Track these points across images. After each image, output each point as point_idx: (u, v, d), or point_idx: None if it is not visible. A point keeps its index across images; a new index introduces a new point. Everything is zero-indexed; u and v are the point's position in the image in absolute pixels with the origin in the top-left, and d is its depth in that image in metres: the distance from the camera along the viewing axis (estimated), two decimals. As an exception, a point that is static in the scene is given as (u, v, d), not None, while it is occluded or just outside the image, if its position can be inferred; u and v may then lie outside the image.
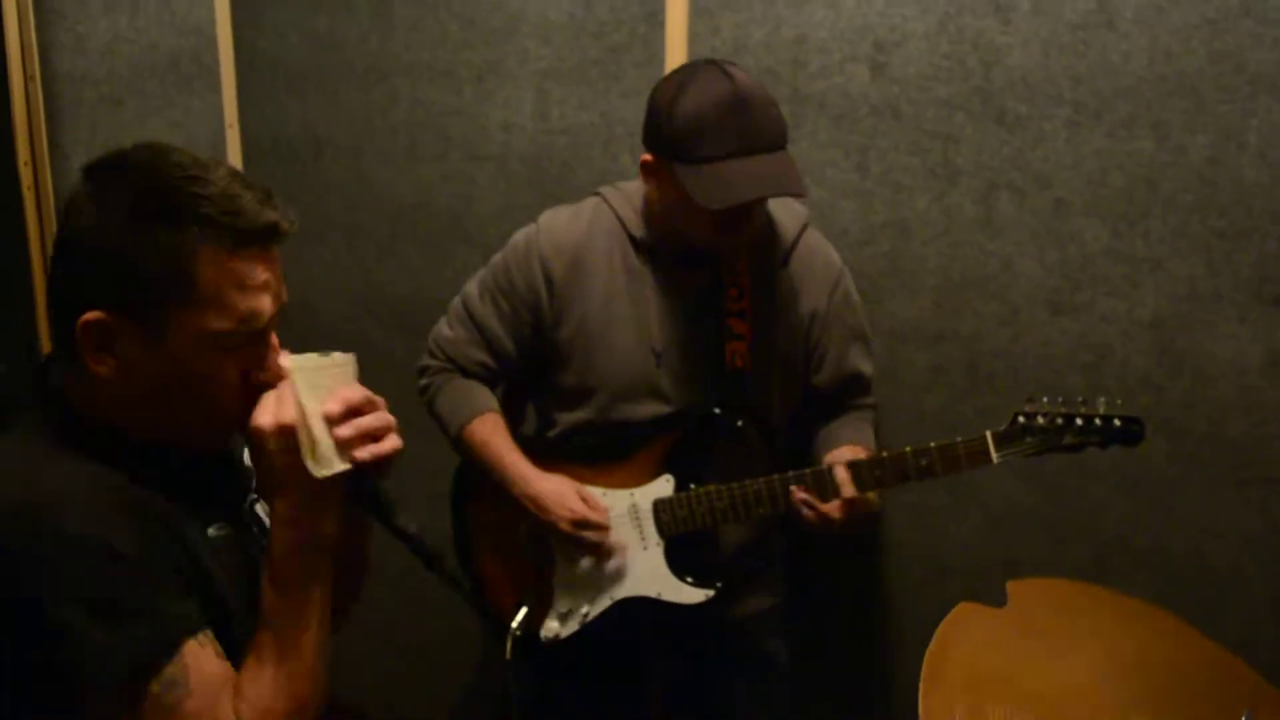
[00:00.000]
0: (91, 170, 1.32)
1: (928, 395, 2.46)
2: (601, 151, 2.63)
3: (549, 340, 2.20)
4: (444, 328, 2.31)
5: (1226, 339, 2.19)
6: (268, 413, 1.33)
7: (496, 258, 2.26)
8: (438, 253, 2.89)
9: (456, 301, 2.31)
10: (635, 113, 2.55)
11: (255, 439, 1.34)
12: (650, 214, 2.16)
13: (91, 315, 1.27)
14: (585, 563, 2.20)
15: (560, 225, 2.22)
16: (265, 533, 1.47)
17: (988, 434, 1.99)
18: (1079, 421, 1.96)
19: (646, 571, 2.19)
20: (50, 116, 2.57)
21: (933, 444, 2.00)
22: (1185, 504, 2.29)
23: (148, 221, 1.26)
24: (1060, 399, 1.98)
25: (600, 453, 2.21)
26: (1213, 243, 2.17)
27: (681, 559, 2.20)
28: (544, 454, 2.22)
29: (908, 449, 2.01)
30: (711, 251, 2.11)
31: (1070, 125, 2.22)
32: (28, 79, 2.53)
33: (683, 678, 2.36)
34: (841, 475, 2.03)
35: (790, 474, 2.08)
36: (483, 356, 2.25)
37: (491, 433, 2.22)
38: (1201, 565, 2.29)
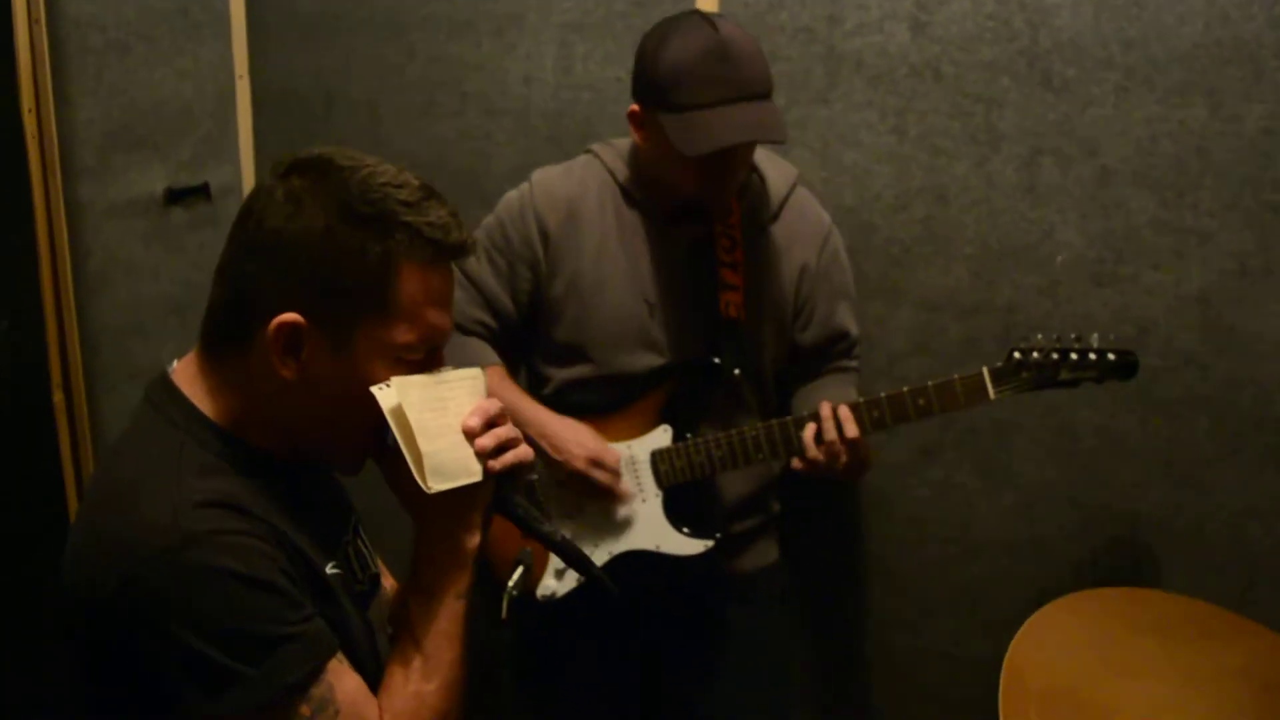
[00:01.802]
0: (289, 170, 1.28)
1: (961, 367, 2.37)
2: (624, 108, 2.52)
3: (544, 295, 2.19)
4: None
5: (1275, 316, 2.12)
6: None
7: (490, 218, 2.24)
8: (453, 210, 2.80)
9: None
10: (663, 70, 2.47)
11: (396, 450, 1.31)
12: (640, 166, 2.16)
13: (288, 317, 1.23)
14: (584, 515, 2.18)
15: (553, 180, 2.21)
16: (364, 569, 1.48)
17: (984, 369, 1.98)
18: (1074, 356, 1.96)
19: (645, 524, 2.17)
20: (55, 62, 2.47)
21: (930, 382, 1.98)
22: (1226, 485, 2.22)
23: (356, 227, 1.24)
24: (1055, 335, 1.97)
25: (596, 406, 2.19)
26: (1265, 216, 2.09)
27: (680, 511, 2.17)
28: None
29: (905, 389, 1.98)
30: (699, 202, 2.08)
31: (1120, 91, 2.14)
32: (32, 22, 2.43)
33: (680, 633, 2.32)
34: (844, 413, 2.00)
35: (789, 418, 2.06)
36: (482, 315, 2.22)
37: (500, 382, 2.19)
38: (1242, 548, 2.23)
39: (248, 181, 2.99)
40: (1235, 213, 2.11)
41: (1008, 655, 1.75)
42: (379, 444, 1.34)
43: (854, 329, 2.27)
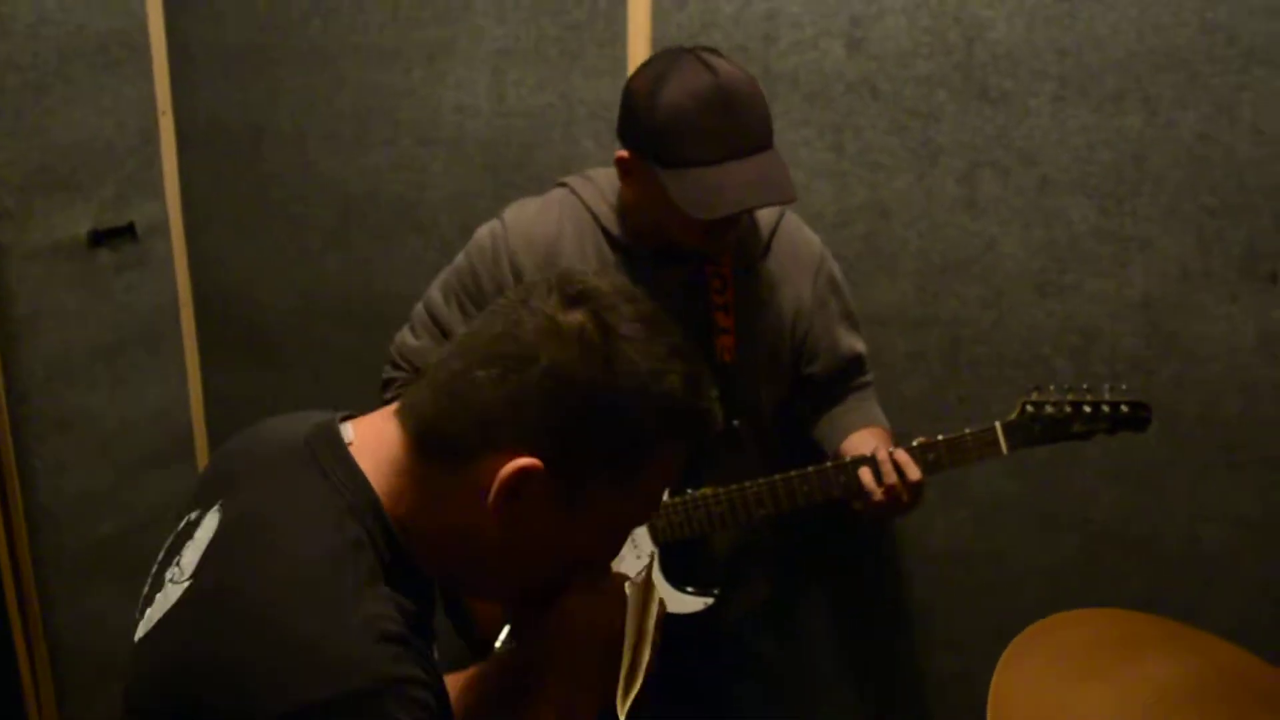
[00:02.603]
0: (571, 301, 1.13)
1: (907, 382, 2.39)
2: (562, 134, 2.52)
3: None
4: (408, 336, 2.15)
5: (1218, 319, 2.13)
6: (602, 607, 1.27)
7: (460, 258, 2.10)
8: (389, 243, 2.76)
9: (419, 307, 2.15)
10: (597, 93, 2.46)
11: (573, 624, 1.25)
12: (626, 209, 2.03)
13: (530, 463, 1.09)
14: None
15: (528, 220, 2.07)
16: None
17: (997, 424, 1.93)
18: (1087, 409, 1.92)
19: None
20: (-30, 105, 2.43)
21: (940, 437, 1.93)
22: (1177, 489, 2.23)
23: (638, 398, 1.11)
24: (1067, 386, 1.94)
25: None
26: (1204, 220, 2.10)
27: (675, 566, 2.10)
28: None
29: (915, 442, 1.95)
30: (690, 250, 1.99)
31: (1056, 101, 2.14)
32: (-54, 66, 2.38)
33: (676, 686, 2.28)
34: (903, 457, 1.93)
35: (793, 473, 1.99)
36: None
37: None
38: (1195, 551, 2.24)
39: (174, 219, 2.93)
40: (1174, 218, 2.12)
41: (992, 684, 1.73)
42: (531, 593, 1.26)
43: (862, 348, 2.21)
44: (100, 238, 2.73)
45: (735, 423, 2.06)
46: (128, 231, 2.81)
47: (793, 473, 1.99)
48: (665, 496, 2.06)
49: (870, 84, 2.26)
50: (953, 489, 2.40)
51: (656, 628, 1.28)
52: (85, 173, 2.69)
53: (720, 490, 2.02)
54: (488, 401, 1.10)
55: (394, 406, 1.18)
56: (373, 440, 1.17)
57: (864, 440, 2.07)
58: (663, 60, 1.86)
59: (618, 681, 1.26)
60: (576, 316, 1.12)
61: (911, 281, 2.33)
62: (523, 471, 1.09)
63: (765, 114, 1.84)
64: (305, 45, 2.71)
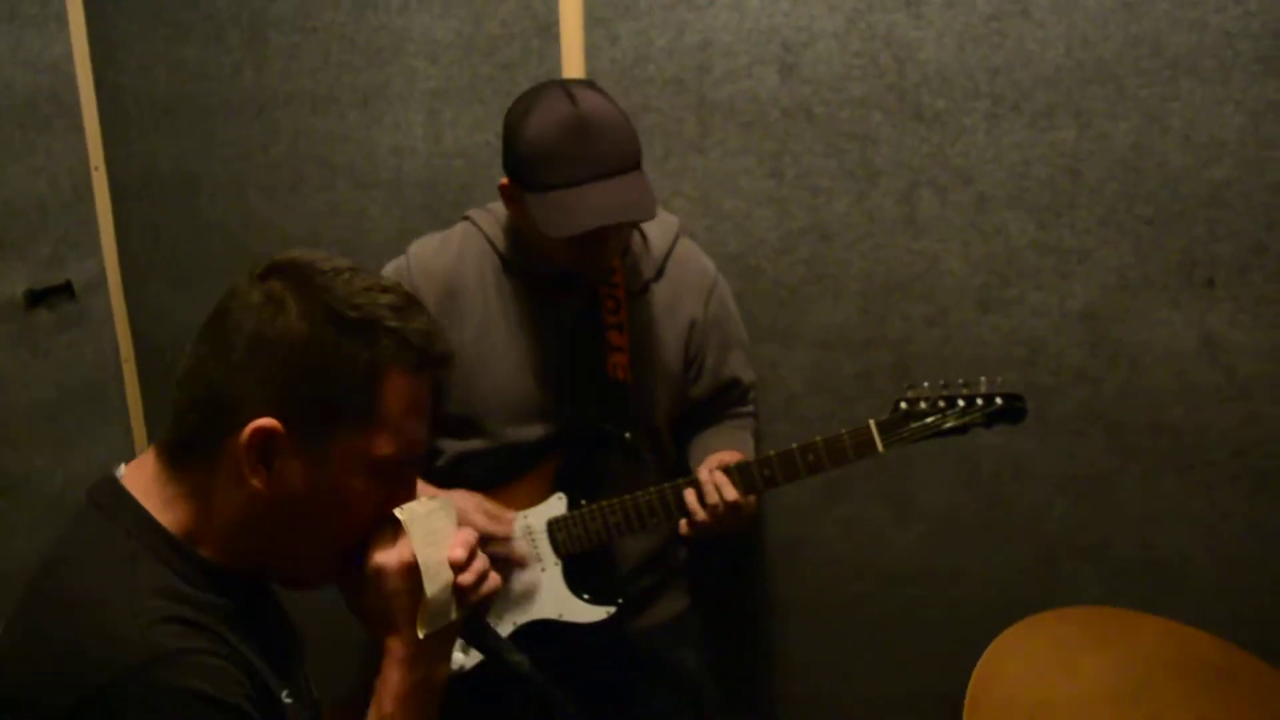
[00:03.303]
0: (267, 272, 1.21)
1: (858, 403, 2.39)
2: (500, 173, 2.49)
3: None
4: None
5: (1160, 325, 2.16)
6: (390, 551, 1.26)
7: None
8: (331, 288, 2.74)
9: None
10: (535, 130, 2.45)
11: (375, 576, 1.26)
12: (519, 238, 2.11)
13: (265, 422, 1.16)
14: None
15: (429, 254, 2.16)
16: (310, 697, 1.39)
17: (871, 422, 1.96)
18: (961, 403, 1.94)
19: (546, 593, 2.13)
20: (-101, 170, 2.39)
21: (818, 438, 1.96)
22: (1127, 496, 2.25)
23: (342, 332, 1.18)
24: (942, 382, 1.95)
25: (490, 478, 2.15)
26: (1140, 229, 2.13)
27: (581, 578, 2.14)
28: (435, 484, 2.15)
29: (794, 445, 1.96)
30: (576, 273, 2.06)
31: (990, 118, 2.16)
32: (-127, 131, 2.35)
33: (593, 697, 2.28)
34: (720, 478, 1.98)
35: (681, 480, 2.03)
36: None
37: None
38: (1147, 556, 2.26)
39: (112, 276, 2.90)
40: (1112, 228, 2.14)
41: (969, 689, 1.73)
42: (344, 564, 1.28)
43: (746, 376, 2.27)
44: (38, 297, 2.69)
45: (627, 436, 2.12)
46: (65, 290, 2.77)
47: (653, 489, 2.04)
48: (563, 509, 2.12)
49: (805, 109, 2.27)
50: (904, 505, 2.41)
51: (471, 553, 1.31)
52: (19, 232, 2.65)
53: (614, 501, 2.07)
54: (211, 388, 1.19)
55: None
56: (138, 470, 1.25)
57: (715, 459, 2.11)
58: (532, 93, 1.97)
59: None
60: (271, 284, 1.20)
61: (856, 303, 2.34)
62: (260, 432, 1.16)
63: (626, 138, 1.92)
64: (238, 94, 2.69)
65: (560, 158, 1.87)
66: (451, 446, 2.18)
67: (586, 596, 2.13)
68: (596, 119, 1.87)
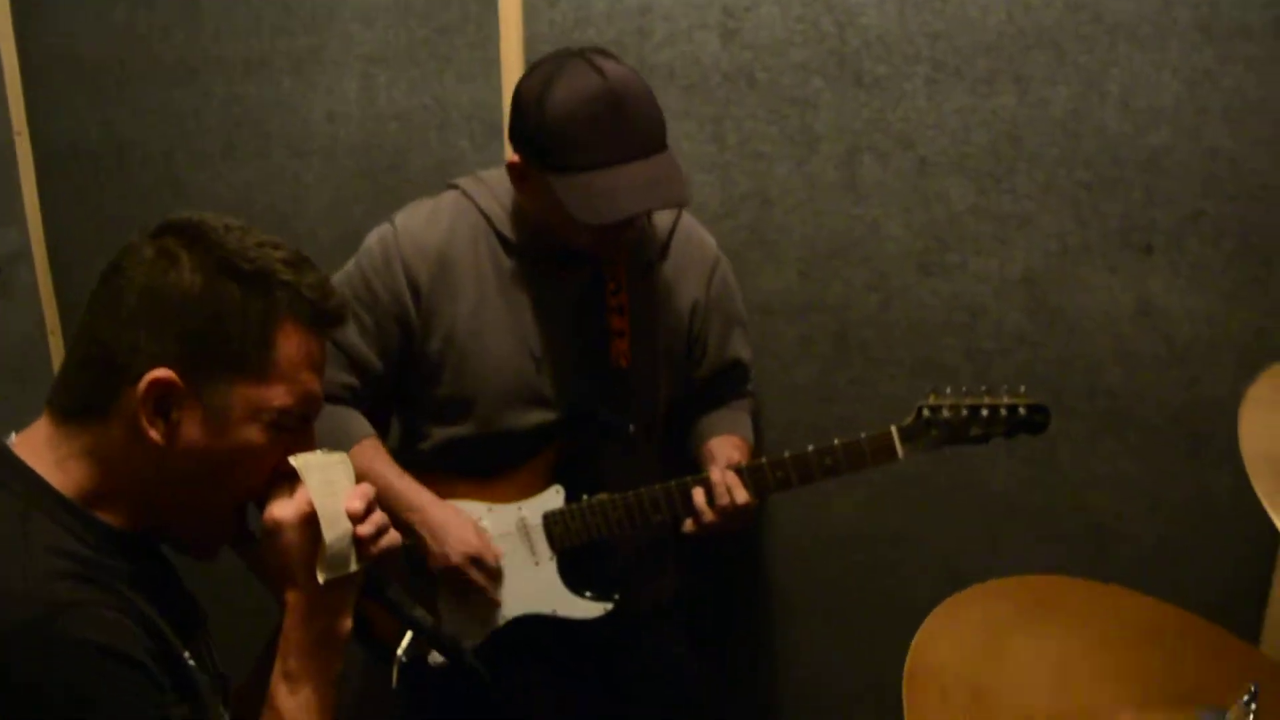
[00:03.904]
0: (160, 230, 1.23)
1: (798, 368, 2.40)
2: (437, 137, 2.48)
3: (418, 352, 2.02)
4: None
5: (1098, 290, 2.17)
6: (286, 504, 1.26)
7: (351, 266, 2.03)
8: (265, 256, 2.69)
9: None
10: (471, 95, 2.43)
11: (272, 530, 1.26)
12: (520, 213, 1.99)
13: (161, 373, 1.17)
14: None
15: (420, 225, 2.01)
16: (215, 664, 1.37)
17: (893, 429, 1.93)
18: (984, 412, 1.90)
19: (539, 588, 2.07)
20: None
21: (836, 442, 1.92)
22: (1067, 459, 2.27)
23: (237, 283, 1.20)
24: (964, 389, 1.92)
25: (482, 465, 2.07)
26: (1080, 195, 2.14)
27: (575, 572, 2.08)
28: (418, 469, 2.05)
29: (810, 449, 1.94)
30: (590, 255, 1.96)
31: (930, 84, 2.16)
32: None
33: (580, 686, 2.25)
34: (732, 480, 1.94)
35: (688, 478, 1.97)
36: (347, 378, 2.03)
37: (373, 459, 2.03)
38: (1086, 519, 2.29)
39: (36, 246, 2.83)
40: (1051, 194, 2.15)
41: (910, 655, 1.73)
42: (241, 525, 1.28)
43: (747, 355, 2.23)
44: (-40, 269, 2.63)
45: (631, 428, 2.05)
46: (-12, 260, 2.71)
47: (658, 485, 1.99)
48: (561, 502, 2.05)
49: (747, 74, 2.26)
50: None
51: (370, 506, 1.32)
52: (-60, 201, 2.59)
53: (616, 496, 2.01)
54: (104, 342, 1.19)
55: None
56: (29, 436, 1.24)
57: (719, 448, 2.10)
58: (551, 63, 1.82)
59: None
60: (164, 240, 1.22)
61: (797, 268, 2.34)
62: (156, 383, 1.16)
63: (657, 115, 1.81)
64: (168, 59, 2.63)
65: (590, 136, 1.75)
66: (440, 431, 2.08)
67: (587, 594, 2.08)
68: (627, 93, 1.76)
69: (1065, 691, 1.51)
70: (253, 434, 1.23)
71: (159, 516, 1.24)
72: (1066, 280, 2.19)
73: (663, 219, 2.08)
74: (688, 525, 1.98)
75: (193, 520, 1.28)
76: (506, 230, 1.99)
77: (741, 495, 1.93)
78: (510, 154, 1.88)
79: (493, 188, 2.03)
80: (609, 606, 2.07)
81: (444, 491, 2.05)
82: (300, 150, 2.60)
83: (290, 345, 1.23)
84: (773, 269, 2.35)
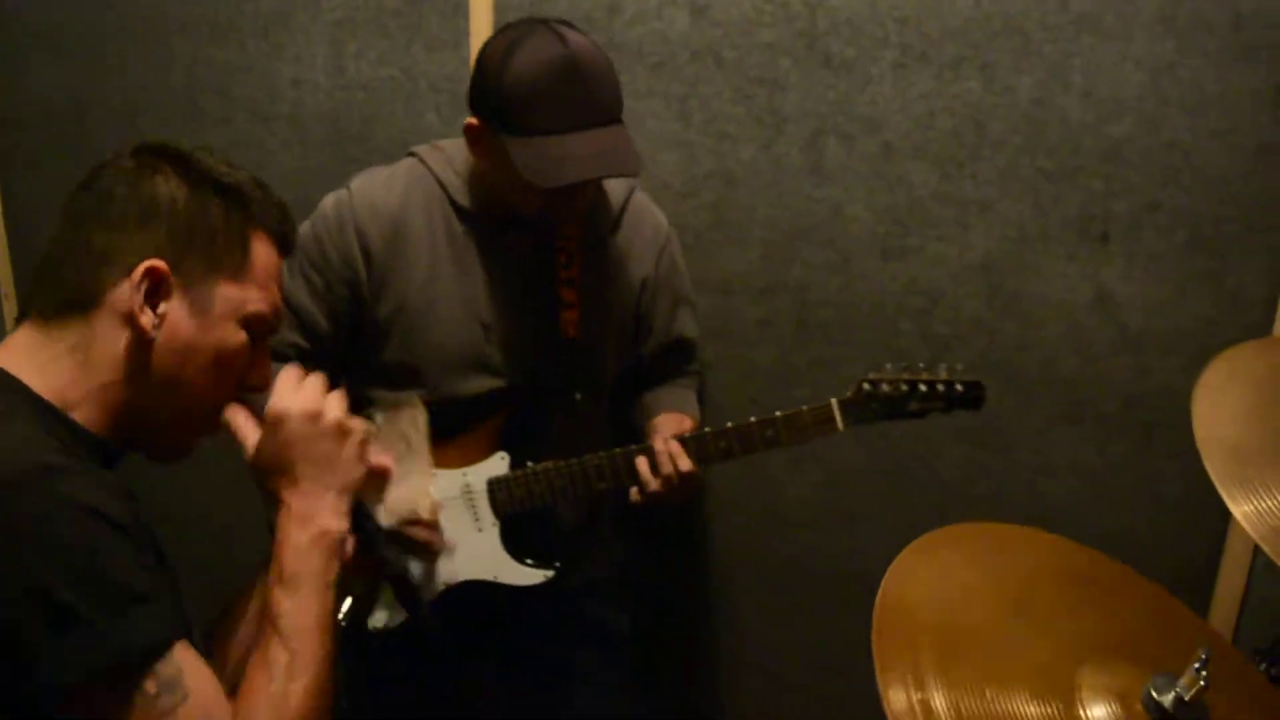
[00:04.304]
0: (137, 151, 1.31)
1: (758, 349, 2.41)
2: (404, 108, 2.48)
3: (367, 316, 2.03)
4: None
5: (1056, 278, 2.20)
6: (294, 397, 1.32)
7: (305, 226, 2.02)
8: (227, 222, 2.68)
9: None
10: (440, 66, 2.42)
11: (275, 421, 1.31)
12: (475, 179, 2.01)
13: (156, 262, 1.23)
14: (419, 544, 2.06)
15: (375, 190, 2.02)
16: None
17: (833, 401, 1.96)
18: (923, 388, 1.95)
19: (482, 554, 2.07)
20: None
21: (778, 414, 1.95)
22: (1020, 445, 2.30)
23: (218, 195, 1.29)
24: (904, 365, 1.96)
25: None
26: (1040, 183, 2.16)
27: (518, 540, 2.09)
28: None
29: (752, 419, 1.96)
30: (542, 222, 1.98)
31: (897, 68, 2.18)
32: None
33: (522, 656, 2.26)
34: (675, 448, 1.96)
35: (632, 447, 2.00)
36: (294, 337, 2.04)
37: None
38: (1039, 505, 2.31)
39: (-3, 203, 2.81)
40: (1013, 181, 2.17)
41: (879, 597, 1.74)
42: (213, 427, 1.33)
43: (694, 333, 2.25)
44: (-83, 224, 2.61)
45: (578, 396, 2.08)
46: (-54, 217, 2.69)
47: (602, 454, 2.01)
48: (505, 468, 2.07)
49: (715, 53, 2.27)
50: (803, 453, 2.43)
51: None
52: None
53: (560, 463, 2.03)
54: (95, 241, 1.25)
55: (16, 323, 1.29)
56: (8, 345, 1.26)
57: (665, 424, 2.12)
58: (516, 29, 1.85)
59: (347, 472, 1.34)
60: (144, 157, 1.30)
61: (759, 249, 2.35)
62: (152, 271, 1.23)
63: (615, 88, 1.84)
64: (132, 19, 2.61)
65: (548, 101, 1.78)
66: (387, 397, 2.06)
67: (529, 561, 2.08)
68: (588, 63, 1.79)
69: (1023, 639, 1.53)
70: (230, 333, 1.29)
71: (134, 418, 1.26)
72: (1024, 267, 2.21)
73: (616, 195, 2.10)
74: (633, 494, 2.01)
75: (167, 420, 1.30)
76: (461, 198, 2.01)
77: (685, 463, 1.95)
78: (469, 117, 1.90)
79: (450, 156, 2.04)
80: (550, 574, 2.09)
81: None
82: (265, 116, 2.59)
83: (262, 254, 1.33)
84: (735, 249, 2.37)
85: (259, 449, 1.32)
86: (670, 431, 2.03)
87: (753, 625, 2.61)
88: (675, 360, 2.25)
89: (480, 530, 2.08)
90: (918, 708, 1.30)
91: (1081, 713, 1.30)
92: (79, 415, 1.22)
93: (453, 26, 2.39)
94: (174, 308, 1.25)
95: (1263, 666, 1.59)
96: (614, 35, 2.30)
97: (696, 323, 2.27)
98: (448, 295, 2.01)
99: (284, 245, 1.37)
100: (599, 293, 2.09)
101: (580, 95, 1.79)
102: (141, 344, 1.24)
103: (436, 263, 2.01)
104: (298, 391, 1.32)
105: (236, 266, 1.30)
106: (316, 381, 1.35)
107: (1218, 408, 1.53)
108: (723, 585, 2.61)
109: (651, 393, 2.25)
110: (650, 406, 2.21)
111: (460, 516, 2.07)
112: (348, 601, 1.64)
